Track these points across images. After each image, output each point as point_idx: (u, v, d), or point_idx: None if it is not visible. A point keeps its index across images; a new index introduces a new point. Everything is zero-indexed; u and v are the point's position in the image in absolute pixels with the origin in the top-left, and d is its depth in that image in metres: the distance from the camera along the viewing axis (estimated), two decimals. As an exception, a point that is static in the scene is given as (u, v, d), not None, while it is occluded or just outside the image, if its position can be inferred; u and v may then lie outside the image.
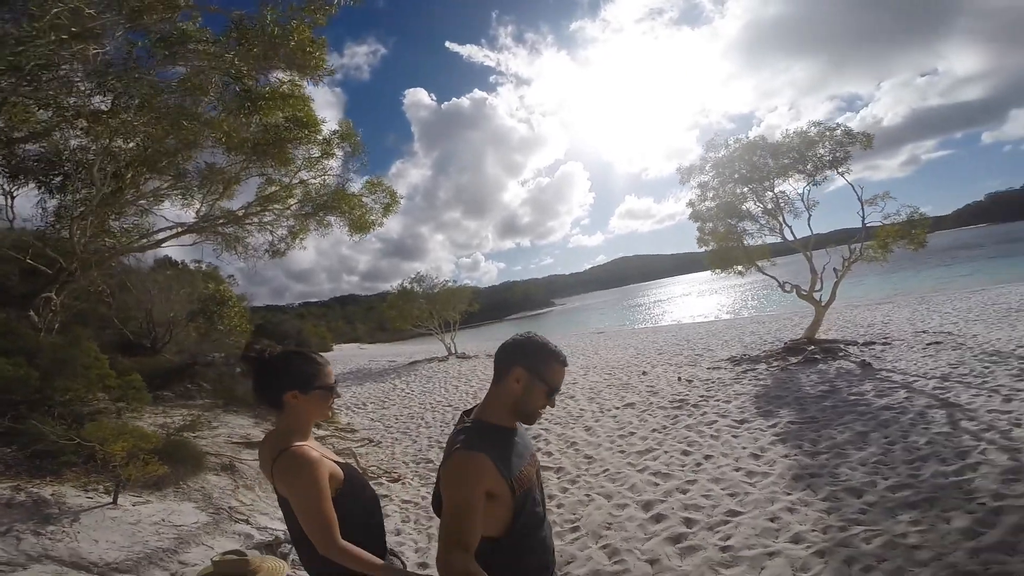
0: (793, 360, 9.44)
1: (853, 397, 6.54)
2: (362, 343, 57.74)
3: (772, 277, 11.61)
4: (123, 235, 8.51)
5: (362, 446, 9.31)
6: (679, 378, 9.83)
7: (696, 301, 44.94)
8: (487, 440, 1.33)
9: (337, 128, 9.02)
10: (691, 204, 11.96)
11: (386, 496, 5.83)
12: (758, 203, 11.14)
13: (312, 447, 1.53)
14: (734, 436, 5.80)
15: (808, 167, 10.24)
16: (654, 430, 6.65)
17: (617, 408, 8.30)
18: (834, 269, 10.89)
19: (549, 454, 6.40)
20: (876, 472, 4.26)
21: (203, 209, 9.44)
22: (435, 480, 1.52)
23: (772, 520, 3.75)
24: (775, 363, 9.53)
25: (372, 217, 9.93)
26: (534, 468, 1.47)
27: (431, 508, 1.98)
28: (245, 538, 4.56)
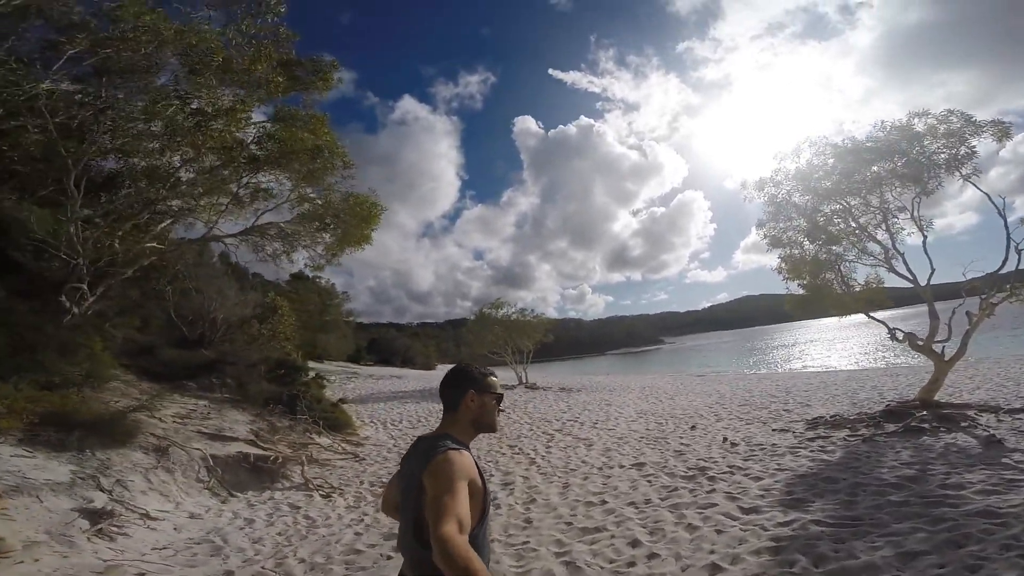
0: (889, 428, 6.88)
1: (944, 490, 4.29)
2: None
3: (881, 322, 8.85)
4: (158, 240, 9.16)
5: (344, 459, 9.02)
6: (724, 439, 7.81)
7: (828, 347, 38.39)
8: (463, 445, 1.53)
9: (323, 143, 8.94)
10: (760, 226, 9.50)
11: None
12: (852, 222, 8.56)
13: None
14: (717, 531, 4.05)
15: (915, 171, 7.58)
16: (631, 503, 5.10)
17: (622, 467, 6.79)
18: (967, 313, 7.95)
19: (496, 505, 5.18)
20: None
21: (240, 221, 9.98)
22: (407, 490, 1.52)
23: None
24: (862, 430, 7.05)
25: (364, 231, 9.70)
26: None
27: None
28: (84, 501, 4.86)
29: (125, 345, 11.19)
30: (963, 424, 6.54)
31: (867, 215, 8.72)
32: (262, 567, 4.27)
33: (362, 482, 7.30)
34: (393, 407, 16.61)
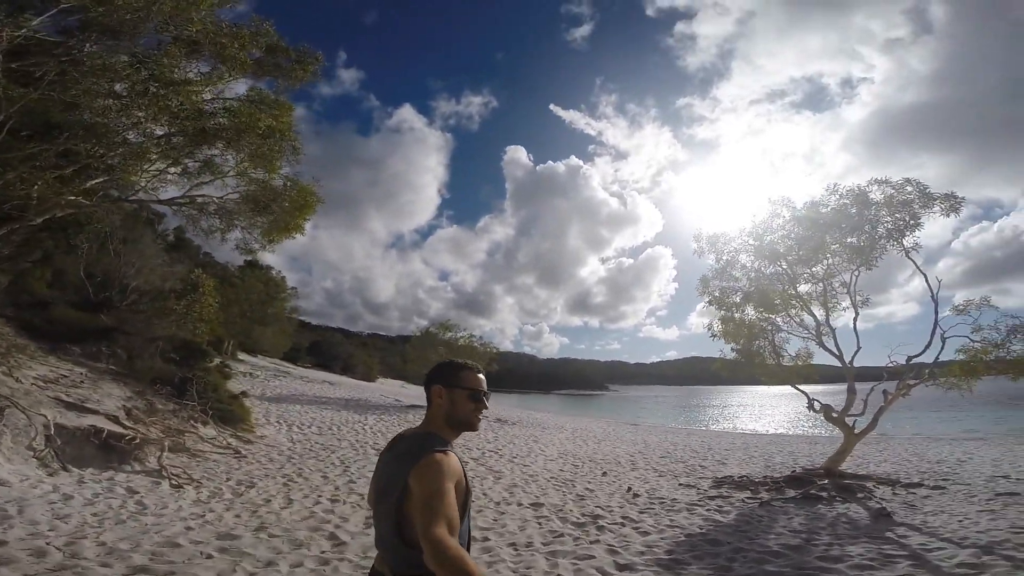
0: (789, 494, 6.72)
1: (821, 562, 4.05)
2: (408, 383, 57.41)
3: (803, 392, 8.87)
4: (85, 195, 8.48)
5: (222, 453, 8.38)
6: (629, 488, 7.49)
7: (759, 411, 39.45)
8: (448, 445, 1.49)
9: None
10: (704, 283, 9.39)
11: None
12: (792, 290, 8.60)
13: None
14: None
15: (859, 239, 7.69)
16: (511, 543, 4.74)
17: (520, 505, 6.38)
18: (884, 392, 8.04)
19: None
20: None
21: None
22: (388, 488, 1.46)
23: None
24: (763, 493, 6.86)
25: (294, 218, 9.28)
26: None
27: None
28: None
29: (13, 294, 10.03)
30: (859, 495, 6.45)
31: (809, 283, 8.82)
32: (47, 543, 3.82)
33: (228, 479, 6.82)
34: (309, 411, 15.59)
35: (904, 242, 7.62)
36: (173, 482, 6.33)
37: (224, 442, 8.90)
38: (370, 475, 7.83)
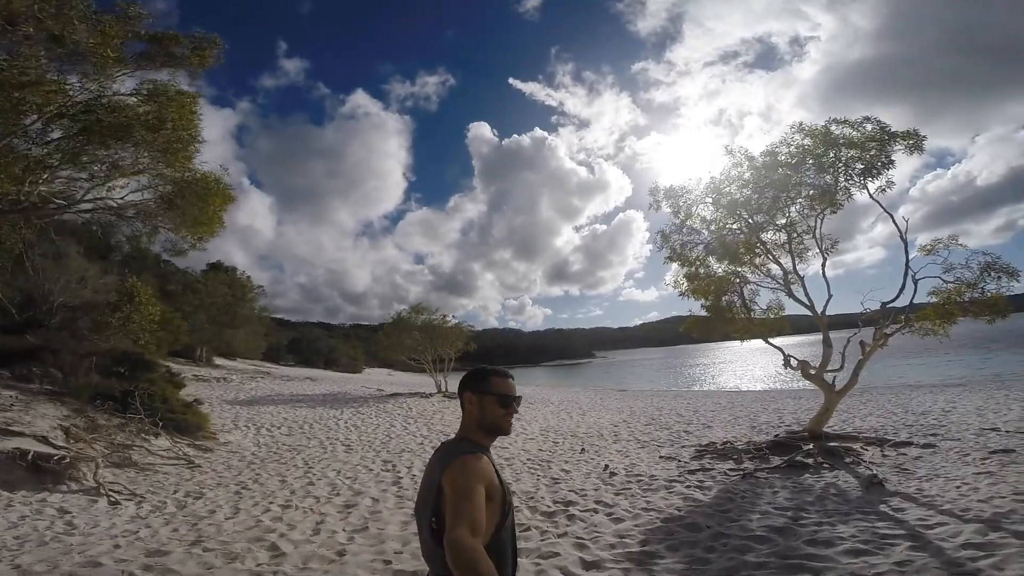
0: (774, 462, 6.36)
1: (810, 548, 3.63)
2: (393, 370, 56.86)
3: (777, 348, 8.52)
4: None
5: (174, 464, 7.88)
6: (606, 466, 7.08)
7: (742, 368, 39.93)
8: (481, 448, 1.51)
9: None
10: (665, 238, 8.82)
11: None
12: (757, 240, 8.15)
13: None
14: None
15: (825, 182, 7.21)
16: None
17: None
18: (860, 343, 7.71)
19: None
20: None
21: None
22: (425, 492, 1.49)
23: None
24: (746, 463, 6.51)
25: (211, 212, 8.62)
26: None
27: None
28: None
29: None
30: (847, 460, 6.12)
31: (771, 231, 8.38)
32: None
33: (175, 491, 6.50)
34: (282, 411, 14.95)
35: (878, 180, 7.12)
36: (111, 499, 5.99)
37: (179, 452, 8.31)
38: (334, 474, 7.47)
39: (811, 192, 7.47)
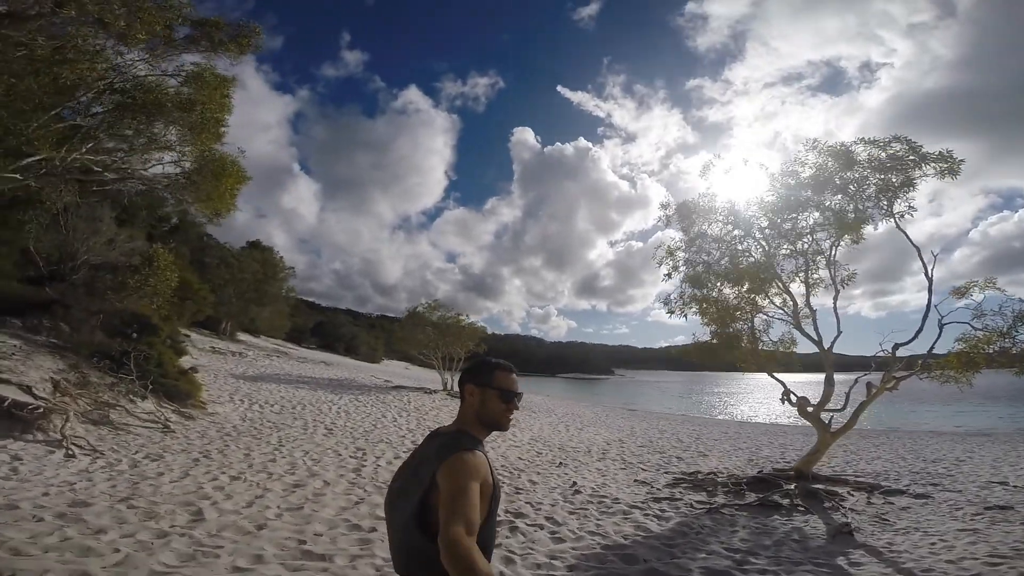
0: (749, 498, 5.92)
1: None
2: (411, 364, 57.43)
3: (779, 381, 8.01)
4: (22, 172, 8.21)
5: (149, 427, 8.01)
6: (573, 484, 6.76)
7: (763, 398, 38.37)
8: (478, 443, 1.48)
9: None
10: (669, 253, 8.26)
11: None
12: (772, 267, 7.65)
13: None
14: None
15: (843, 203, 6.66)
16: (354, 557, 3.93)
17: None
18: (868, 384, 7.14)
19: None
20: None
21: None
22: (412, 481, 1.46)
23: None
24: (719, 496, 6.09)
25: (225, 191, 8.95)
26: None
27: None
28: None
29: None
30: (826, 504, 5.63)
31: (787, 255, 7.90)
32: None
33: (137, 451, 6.64)
34: (283, 390, 15.19)
35: (894, 205, 6.56)
36: (68, 452, 6.11)
37: (160, 417, 8.46)
38: (301, 454, 7.46)
39: (826, 215, 6.96)
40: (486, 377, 1.54)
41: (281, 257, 38.84)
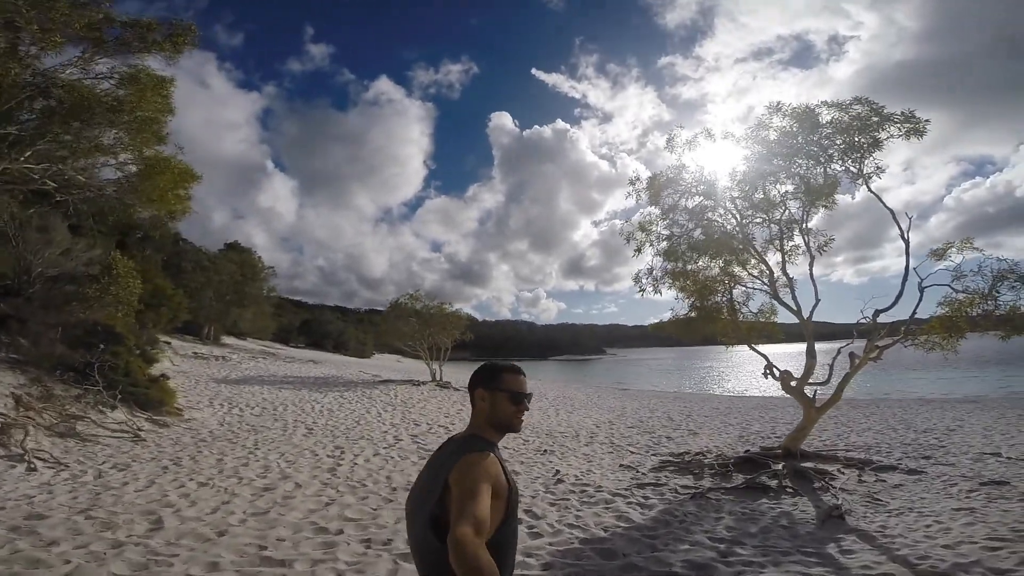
0: (737, 480, 5.78)
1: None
2: (403, 357, 57.14)
3: (761, 355, 7.86)
4: None
5: (118, 437, 7.75)
6: (556, 472, 6.57)
7: (755, 370, 38.69)
8: (491, 446, 1.49)
9: None
10: (641, 229, 8.01)
11: None
12: (740, 234, 7.44)
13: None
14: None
15: (809, 169, 6.44)
16: (365, 540, 3.69)
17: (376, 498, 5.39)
18: (851, 355, 7.00)
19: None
20: None
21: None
22: (428, 487, 1.47)
23: None
24: (706, 479, 5.94)
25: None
26: None
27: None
28: None
29: None
30: (815, 485, 5.49)
31: (761, 224, 7.70)
32: None
33: (104, 461, 6.50)
34: (266, 391, 14.83)
35: (861, 165, 6.32)
36: (30, 465, 5.97)
37: (131, 426, 8.14)
38: (276, 456, 7.23)
39: (794, 181, 6.75)
40: (495, 381, 1.56)
41: (259, 257, 38.13)
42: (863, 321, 7.23)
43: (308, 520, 4.60)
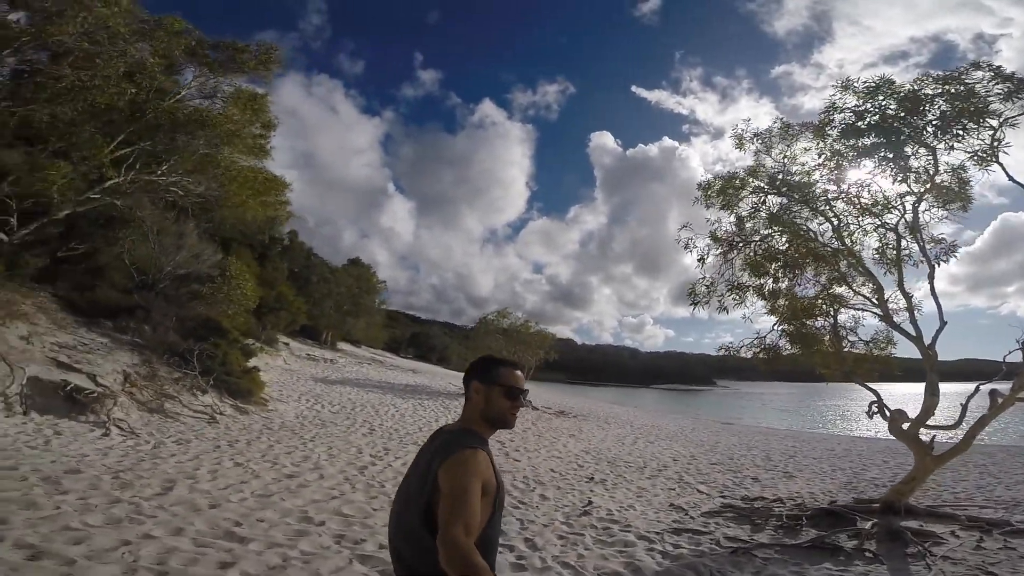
0: (804, 538, 4.57)
1: None
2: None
3: (871, 390, 6.29)
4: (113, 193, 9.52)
5: (197, 418, 8.49)
6: (589, 502, 5.83)
7: (911, 410, 32.42)
8: (482, 441, 1.48)
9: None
10: (715, 239, 6.88)
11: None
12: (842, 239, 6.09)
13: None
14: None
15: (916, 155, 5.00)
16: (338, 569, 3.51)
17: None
18: (991, 392, 5.30)
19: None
20: None
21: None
22: (417, 479, 1.45)
23: None
24: (768, 530, 4.80)
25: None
26: None
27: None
28: None
29: (63, 277, 11.37)
30: (909, 551, 4.11)
31: (868, 230, 6.31)
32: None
33: (171, 436, 7.11)
34: (353, 393, 15.77)
35: (968, 128, 4.74)
36: (105, 430, 6.72)
37: (212, 409, 9.01)
38: (323, 449, 7.44)
39: (898, 173, 5.33)
40: (491, 374, 1.52)
41: (374, 272, 41.49)
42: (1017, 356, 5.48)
43: (301, 508, 4.59)
